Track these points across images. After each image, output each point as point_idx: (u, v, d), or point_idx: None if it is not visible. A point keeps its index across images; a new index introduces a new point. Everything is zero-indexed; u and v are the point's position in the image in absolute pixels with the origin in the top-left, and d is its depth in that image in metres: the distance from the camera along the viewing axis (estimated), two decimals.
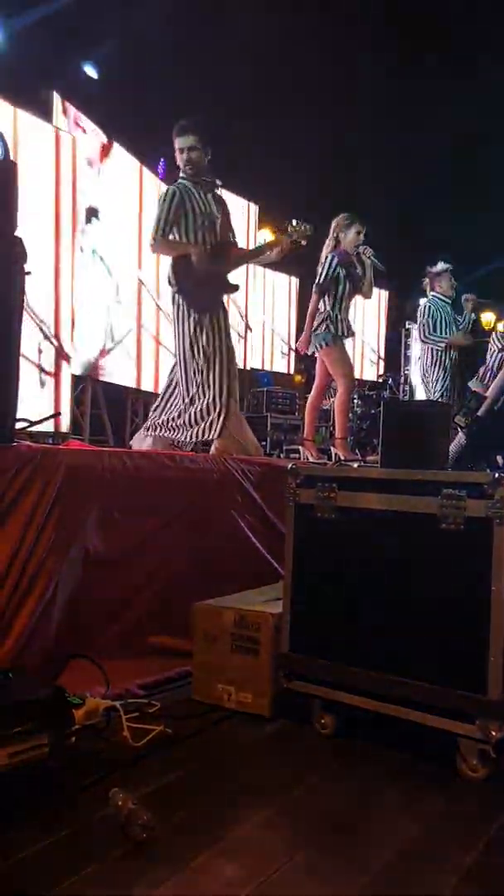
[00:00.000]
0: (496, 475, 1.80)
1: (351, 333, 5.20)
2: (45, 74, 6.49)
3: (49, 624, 2.26)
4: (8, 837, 1.45)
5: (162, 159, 7.46)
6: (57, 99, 6.43)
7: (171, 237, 3.99)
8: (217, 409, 3.89)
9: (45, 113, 6.29)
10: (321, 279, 4.99)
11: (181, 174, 4.06)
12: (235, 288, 4.17)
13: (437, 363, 6.41)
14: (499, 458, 4.85)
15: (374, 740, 1.96)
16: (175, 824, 1.51)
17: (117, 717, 1.92)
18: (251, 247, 4.30)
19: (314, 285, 5.06)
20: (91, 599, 2.43)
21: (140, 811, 1.45)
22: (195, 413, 3.95)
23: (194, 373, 3.95)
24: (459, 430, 5.26)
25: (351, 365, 5.31)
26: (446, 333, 6.38)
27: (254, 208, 9.50)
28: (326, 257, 5.02)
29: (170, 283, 3.99)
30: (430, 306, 6.42)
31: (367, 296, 5.33)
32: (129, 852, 1.40)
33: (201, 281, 3.90)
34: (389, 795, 1.69)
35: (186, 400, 3.99)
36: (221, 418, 3.88)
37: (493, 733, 1.73)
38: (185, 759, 1.85)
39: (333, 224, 5.08)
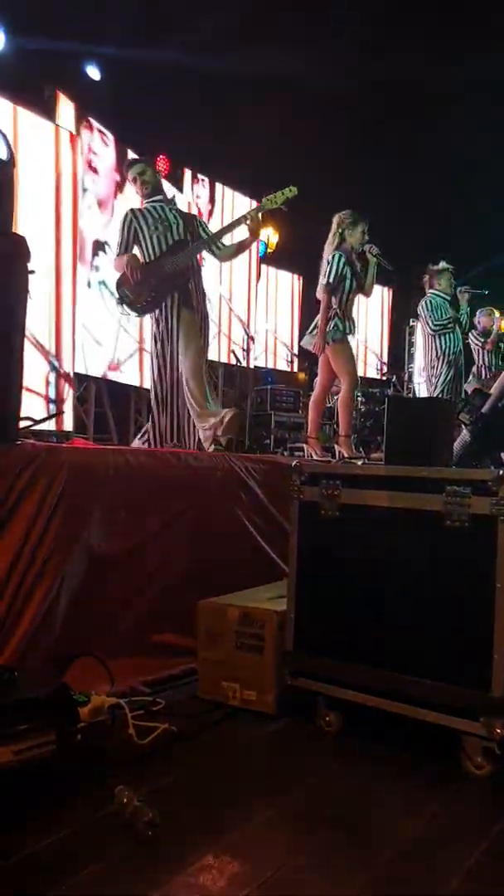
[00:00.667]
0: (500, 472, 1.80)
1: (353, 331, 5.22)
2: (48, 74, 6.49)
3: (54, 622, 2.26)
4: (13, 834, 1.45)
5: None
6: (67, 104, 6.45)
7: (136, 252, 4.25)
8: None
9: (47, 112, 6.28)
10: (331, 278, 4.97)
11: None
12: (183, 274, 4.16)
13: (442, 357, 6.45)
14: (503, 456, 4.84)
15: (377, 738, 1.96)
16: (179, 822, 1.51)
17: (122, 714, 1.92)
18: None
19: (323, 284, 5.04)
20: (95, 597, 2.44)
21: (145, 809, 1.46)
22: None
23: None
24: (464, 427, 5.26)
25: (355, 362, 5.33)
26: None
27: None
28: (333, 255, 5.00)
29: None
30: (431, 301, 6.48)
31: (369, 294, 5.35)
32: (133, 850, 1.41)
33: (138, 282, 4.11)
34: (392, 794, 1.69)
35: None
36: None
37: (498, 731, 1.73)
38: (189, 757, 1.85)
39: (336, 221, 5.06)
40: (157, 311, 4.15)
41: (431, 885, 1.34)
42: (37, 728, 1.57)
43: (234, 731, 2.05)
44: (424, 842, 1.49)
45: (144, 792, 1.55)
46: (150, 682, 2.31)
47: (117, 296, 4.22)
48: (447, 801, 1.66)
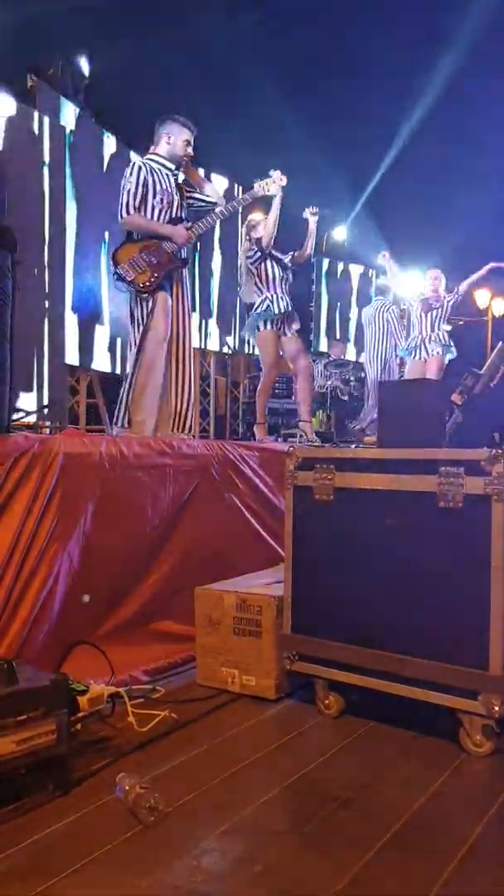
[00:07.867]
0: (493, 452, 1.80)
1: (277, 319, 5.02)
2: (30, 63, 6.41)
3: (52, 612, 2.27)
4: (18, 823, 1.46)
5: None
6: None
7: None
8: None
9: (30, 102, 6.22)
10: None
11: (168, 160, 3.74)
12: None
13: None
14: (496, 436, 4.84)
15: (377, 719, 1.98)
16: (181, 807, 1.52)
17: (122, 703, 1.93)
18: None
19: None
20: (93, 587, 2.44)
21: (147, 795, 1.47)
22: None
23: None
24: (455, 408, 5.26)
25: (271, 354, 5.12)
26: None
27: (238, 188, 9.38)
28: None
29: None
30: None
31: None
32: (136, 835, 1.42)
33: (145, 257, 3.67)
34: (393, 773, 1.71)
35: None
36: None
37: (496, 708, 1.74)
38: (190, 742, 1.86)
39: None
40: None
41: (434, 859, 1.35)
42: (37, 718, 1.57)
43: (234, 716, 2.06)
44: (428, 817, 1.50)
45: (146, 778, 1.56)
46: (151, 670, 2.31)
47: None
48: (450, 778, 1.68)
